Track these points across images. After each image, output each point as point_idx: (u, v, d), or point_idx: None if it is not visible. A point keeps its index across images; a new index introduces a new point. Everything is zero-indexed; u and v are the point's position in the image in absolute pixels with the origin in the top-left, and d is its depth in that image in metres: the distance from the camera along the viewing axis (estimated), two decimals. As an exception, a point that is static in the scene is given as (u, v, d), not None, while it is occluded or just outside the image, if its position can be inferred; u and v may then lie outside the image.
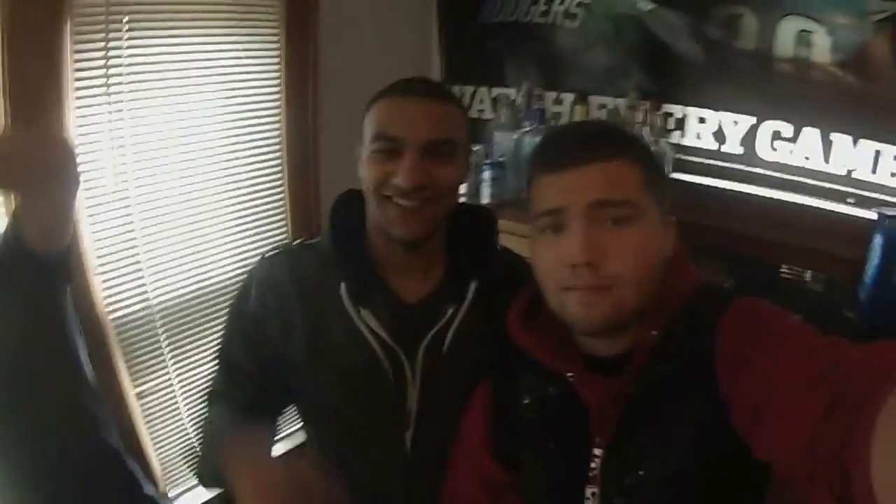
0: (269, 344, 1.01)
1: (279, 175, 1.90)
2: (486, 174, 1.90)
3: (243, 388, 1.04)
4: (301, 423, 1.14)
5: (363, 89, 1.98)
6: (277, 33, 1.77)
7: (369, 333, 0.95)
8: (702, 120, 1.90)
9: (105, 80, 1.38)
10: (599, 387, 0.80)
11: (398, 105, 0.94)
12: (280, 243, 1.11)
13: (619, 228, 0.76)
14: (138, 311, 1.60)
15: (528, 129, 1.94)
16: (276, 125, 1.85)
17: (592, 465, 0.80)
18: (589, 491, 0.80)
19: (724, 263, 1.67)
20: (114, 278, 1.54)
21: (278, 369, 1.02)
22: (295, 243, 1.10)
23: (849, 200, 1.78)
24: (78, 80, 1.34)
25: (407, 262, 1.01)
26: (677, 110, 1.92)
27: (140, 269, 1.58)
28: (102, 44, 1.37)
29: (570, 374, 0.81)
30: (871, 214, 1.63)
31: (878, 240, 1.54)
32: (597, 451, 0.80)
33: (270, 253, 1.07)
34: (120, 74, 1.41)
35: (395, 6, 2.14)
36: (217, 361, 1.08)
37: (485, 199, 1.90)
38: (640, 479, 0.77)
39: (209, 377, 1.15)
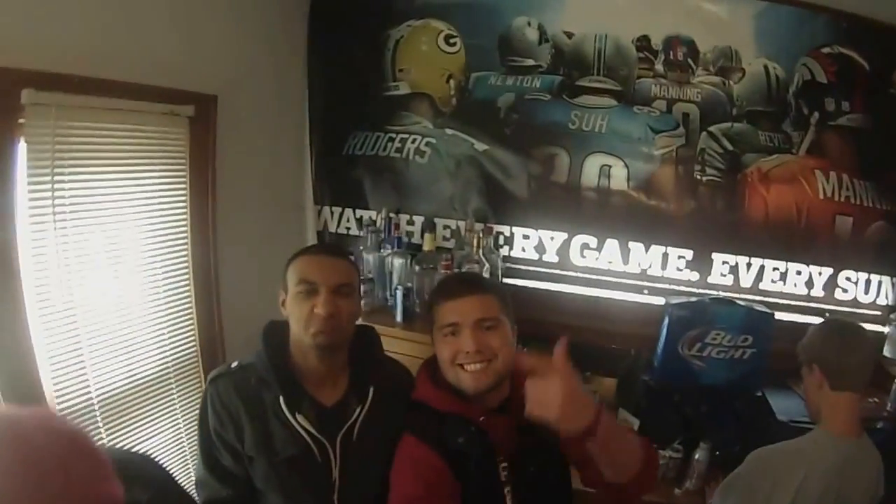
0: (229, 444, 1.31)
1: (186, 274, 2.04)
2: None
3: (223, 480, 1.32)
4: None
5: (252, 207, 2.26)
6: (184, 168, 1.98)
7: (303, 431, 1.28)
8: (525, 237, 2.33)
9: (51, 201, 1.57)
10: (502, 422, 1.26)
11: (314, 260, 1.34)
12: (224, 366, 1.38)
13: (490, 331, 1.26)
14: (81, 402, 1.72)
15: (389, 251, 2.21)
16: (184, 237, 2.02)
17: (504, 474, 1.24)
18: (505, 489, 1.24)
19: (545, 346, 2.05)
20: (60, 374, 1.65)
21: (241, 461, 1.31)
22: (233, 366, 1.36)
23: (644, 292, 2.27)
24: (31, 200, 1.52)
25: (322, 373, 1.34)
26: (506, 230, 2.33)
27: (83, 364, 1.71)
28: (48, 171, 1.55)
29: (482, 418, 1.26)
30: (662, 300, 2.10)
31: (665, 321, 1.98)
32: (503, 465, 1.25)
33: (216, 375, 1.35)
34: (63, 197, 1.59)
35: (275, 142, 2.40)
36: (202, 463, 1.35)
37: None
38: (537, 480, 1.27)
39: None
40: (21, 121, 1.47)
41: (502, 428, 1.27)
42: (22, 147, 1.49)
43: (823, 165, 2.17)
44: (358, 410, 1.33)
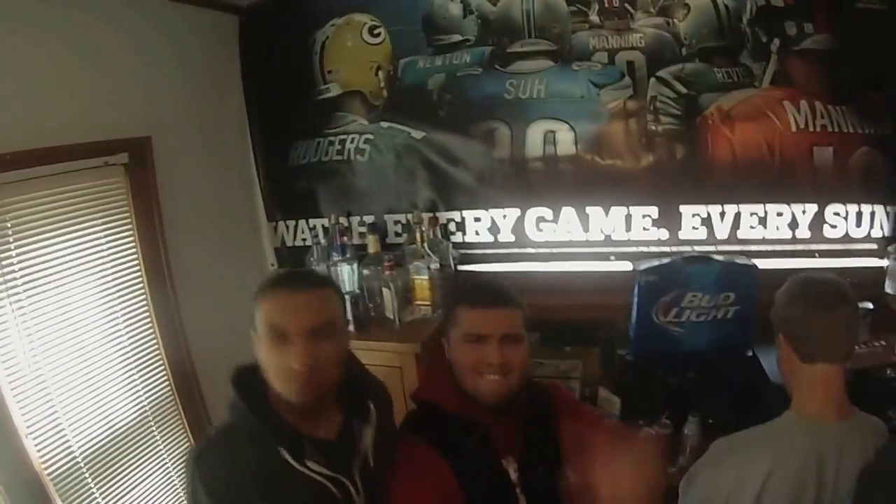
0: None
1: (147, 317, 2.01)
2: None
3: None
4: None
5: (206, 236, 2.16)
6: (128, 214, 1.93)
7: (317, 476, 1.08)
8: (477, 219, 2.16)
9: (2, 278, 1.57)
10: (508, 423, 1.25)
11: (284, 299, 1.09)
12: (203, 441, 1.14)
13: (514, 345, 1.23)
14: (67, 463, 1.72)
15: (337, 259, 2.04)
16: (139, 279, 1.99)
17: (516, 476, 1.21)
18: (517, 490, 1.21)
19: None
20: (41, 441, 1.66)
21: None
22: (214, 435, 1.13)
23: (611, 258, 2.07)
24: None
25: (314, 412, 1.13)
26: (456, 215, 2.17)
27: (61, 427, 1.71)
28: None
29: (491, 421, 1.22)
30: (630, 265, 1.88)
31: (635, 288, 1.77)
32: (509, 467, 1.22)
33: (197, 457, 1.09)
34: (14, 271, 1.60)
35: (220, 167, 2.32)
36: None
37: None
38: (543, 479, 1.23)
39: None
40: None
41: (509, 428, 1.25)
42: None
43: (792, 95, 1.93)
44: (368, 434, 1.17)
